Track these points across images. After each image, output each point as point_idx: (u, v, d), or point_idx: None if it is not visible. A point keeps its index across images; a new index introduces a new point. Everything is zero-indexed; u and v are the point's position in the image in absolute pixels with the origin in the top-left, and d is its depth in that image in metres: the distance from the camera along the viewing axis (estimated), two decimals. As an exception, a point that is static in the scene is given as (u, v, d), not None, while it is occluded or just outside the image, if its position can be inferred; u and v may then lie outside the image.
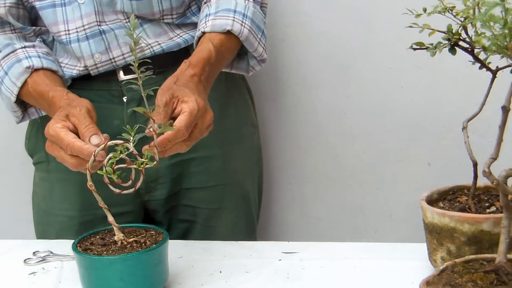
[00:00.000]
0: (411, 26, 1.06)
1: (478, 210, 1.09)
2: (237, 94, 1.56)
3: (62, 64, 1.44)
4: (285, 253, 1.29)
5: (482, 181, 1.09)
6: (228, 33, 1.35)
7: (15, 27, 1.45)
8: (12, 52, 1.41)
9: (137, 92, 1.11)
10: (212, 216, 1.53)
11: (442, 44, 1.06)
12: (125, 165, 1.11)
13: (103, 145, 1.13)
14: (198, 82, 1.25)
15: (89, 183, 1.12)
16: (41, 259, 1.32)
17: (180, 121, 1.15)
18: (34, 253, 1.34)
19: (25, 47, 1.42)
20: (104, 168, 1.10)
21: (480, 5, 0.99)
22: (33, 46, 1.43)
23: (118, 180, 1.11)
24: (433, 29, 1.06)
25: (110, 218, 1.14)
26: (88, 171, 1.12)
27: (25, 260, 1.31)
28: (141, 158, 1.10)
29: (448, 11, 1.06)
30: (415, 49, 1.08)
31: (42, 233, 1.55)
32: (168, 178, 1.48)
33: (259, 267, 1.23)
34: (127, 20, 1.40)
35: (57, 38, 1.44)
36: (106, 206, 1.13)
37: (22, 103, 1.44)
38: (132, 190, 1.13)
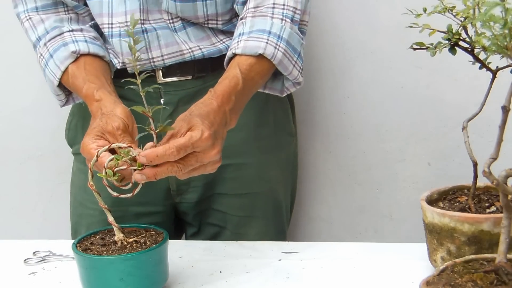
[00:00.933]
0: (411, 26, 1.06)
1: (478, 210, 1.09)
2: (277, 102, 1.52)
3: (108, 50, 1.43)
4: (285, 253, 1.29)
5: (482, 181, 1.09)
6: (260, 56, 1.29)
7: (69, 7, 1.43)
8: (59, 35, 1.39)
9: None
10: (242, 224, 1.51)
11: (442, 44, 1.06)
12: (125, 167, 1.11)
13: (107, 146, 1.13)
14: (219, 114, 1.20)
15: (90, 182, 1.12)
16: (41, 259, 1.32)
17: (174, 141, 1.12)
18: (34, 253, 1.34)
19: (72, 30, 1.40)
20: (104, 170, 1.10)
21: (480, 5, 0.99)
22: (81, 30, 1.41)
23: (118, 183, 1.11)
24: (433, 29, 1.06)
25: (110, 219, 1.14)
26: (90, 171, 1.12)
27: (25, 260, 1.31)
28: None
29: (448, 11, 1.06)
30: (415, 49, 1.09)
31: (75, 223, 1.55)
32: (201, 183, 1.47)
33: (259, 267, 1.23)
34: (171, 20, 1.39)
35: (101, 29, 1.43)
36: (106, 206, 1.14)
37: (65, 87, 1.41)
38: (129, 195, 1.13)
